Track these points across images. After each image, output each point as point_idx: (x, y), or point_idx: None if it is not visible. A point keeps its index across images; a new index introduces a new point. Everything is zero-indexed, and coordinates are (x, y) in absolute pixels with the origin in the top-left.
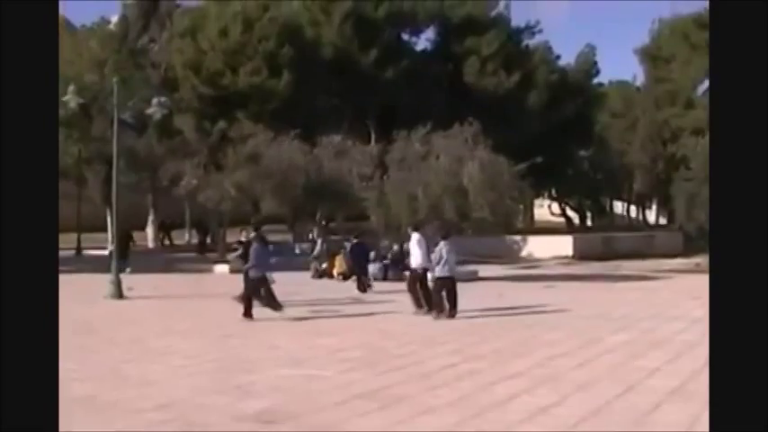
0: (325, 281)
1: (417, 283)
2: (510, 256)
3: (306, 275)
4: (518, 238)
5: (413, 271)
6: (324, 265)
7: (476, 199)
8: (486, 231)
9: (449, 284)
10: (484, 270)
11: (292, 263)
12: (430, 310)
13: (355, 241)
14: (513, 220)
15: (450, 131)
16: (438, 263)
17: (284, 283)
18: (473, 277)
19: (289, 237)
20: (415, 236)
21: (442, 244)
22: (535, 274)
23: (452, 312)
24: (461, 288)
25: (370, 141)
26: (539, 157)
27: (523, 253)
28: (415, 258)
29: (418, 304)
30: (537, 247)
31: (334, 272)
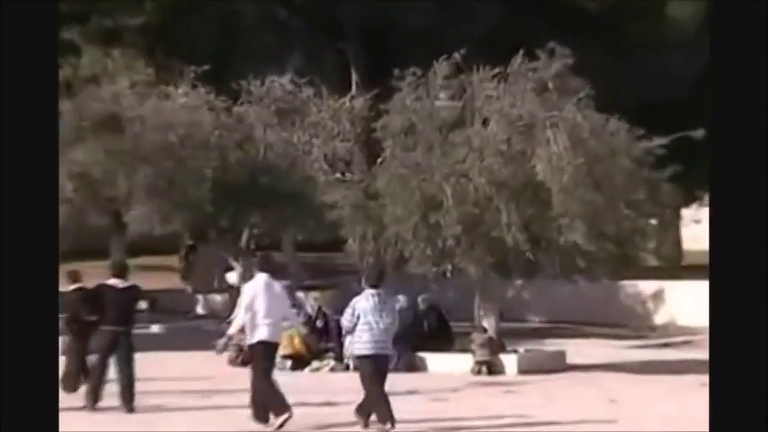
0: None
1: (258, 366)
2: (632, 321)
3: (217, 360)
4: (649, 285)
5: (251, 347)
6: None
7: (562, 206)
8: (585, 273)
9: (373, 368)
10: (579, 349)
11: (187, 332)
12: (263, 417)
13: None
14: (637, 249)
15: (510, 71)
16: (351, 331)
17: (167, 375)
18: (559, 366)
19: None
20: (260, 278)
21: (361, 297)
22: (684, 359)
23: (381, 420)
24: (536, 384)
25: (348, 90)
26: (692, 125)
27: (660, 316)
28: (244, 321)
29: (260, 416)
30: (687, 303)
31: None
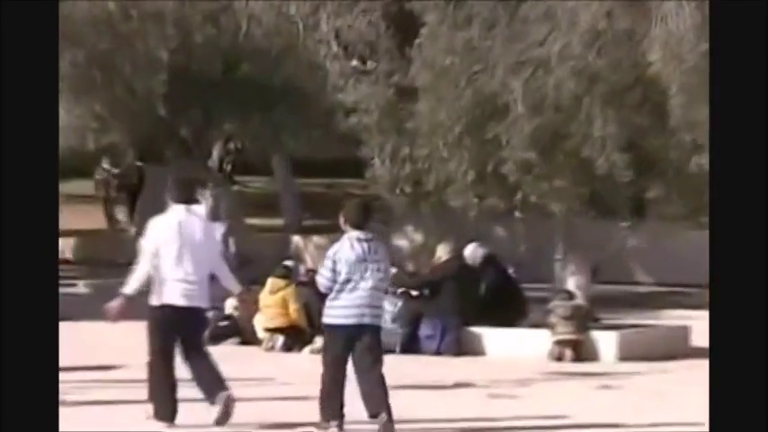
0: (229, 349)
1: (154, 341)
2: None
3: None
4: None
5: (151, 310)
6: (232, 307)
7: (685, 114)
8: None
9: (346, 345)
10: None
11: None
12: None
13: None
14: None
15: None
16: (329, 290)
17: (97, 358)
18: (679, 349)
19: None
20: (175, 213)
21: (342, 244)
22: None
23: (382, 419)
24: (645, 377)
25: None
26: None
27: None
28: (146, 274)
29: (160, 413)
30: None
31: (258, 325)
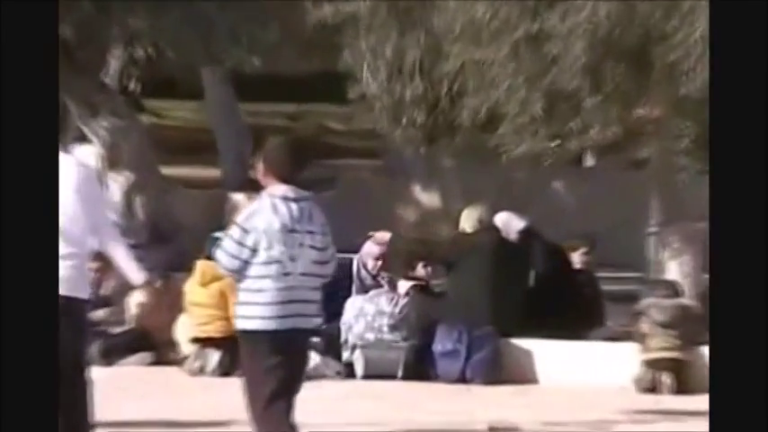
0: (133, 371)
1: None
2: None
3: None
4: None
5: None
6: (135, 304)
7: None
8: None
9: (282, 358)
10: None
11: None
12: None
13: None
14: None
15: None
16: (237, 274)
17: None
18: None
19: None
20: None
21: (262, 206)
22: None
23: None
24: None
25: None
26: None
27: None
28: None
29: None
30: None
31: (180, 334)
